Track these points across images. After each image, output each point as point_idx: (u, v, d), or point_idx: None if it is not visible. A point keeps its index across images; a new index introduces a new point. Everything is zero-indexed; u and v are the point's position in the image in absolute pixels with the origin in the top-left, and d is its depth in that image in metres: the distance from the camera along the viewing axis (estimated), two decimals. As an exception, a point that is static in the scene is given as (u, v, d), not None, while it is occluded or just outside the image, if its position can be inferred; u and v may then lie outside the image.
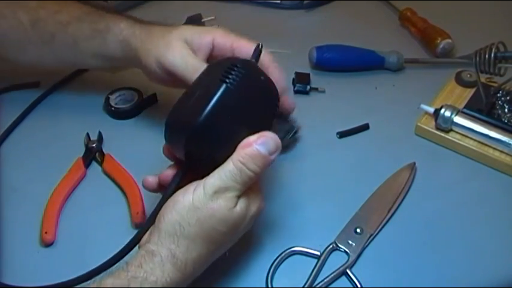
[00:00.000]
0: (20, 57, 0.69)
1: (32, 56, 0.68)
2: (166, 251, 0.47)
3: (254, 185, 0.51)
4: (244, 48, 0.60)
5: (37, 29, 0.65)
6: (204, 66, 0.56)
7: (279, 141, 0.50)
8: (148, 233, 0.49)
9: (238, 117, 0.49)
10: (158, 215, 0.49)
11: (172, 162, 0.55)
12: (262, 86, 0.52)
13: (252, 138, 0.49)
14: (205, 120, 0.48)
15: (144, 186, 0.55)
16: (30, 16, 0.65)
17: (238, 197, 0.49)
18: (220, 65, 0.51)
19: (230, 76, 0.49)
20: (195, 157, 0.50)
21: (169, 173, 0.53)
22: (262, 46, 0.56)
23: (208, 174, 0.49)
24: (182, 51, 0.60)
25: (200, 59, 0.60)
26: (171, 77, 0.61)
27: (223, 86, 0.48)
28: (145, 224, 0.50)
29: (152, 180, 0.54)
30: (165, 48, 0.60)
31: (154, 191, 0.55)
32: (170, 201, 0.49)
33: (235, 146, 0.49)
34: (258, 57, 0.55)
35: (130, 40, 0.63)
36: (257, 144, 0.49)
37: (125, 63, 0.67)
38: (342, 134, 0.70)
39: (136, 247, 0.50)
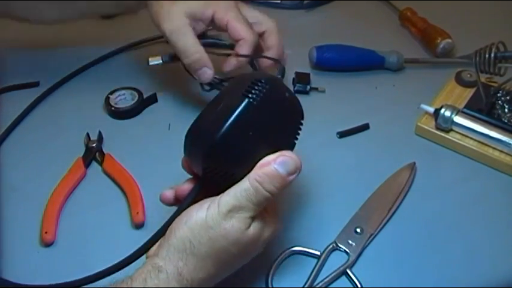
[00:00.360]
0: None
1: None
2: (173, 268, 0.45)
3: (270, 207, 0.50)
4: (237, 32, 0.63)
5: None
6: (193, 46, 0.62)
7: (299, 161, 0.48)
8: (157, 244, 0.49)
9: (259, 133, 0.48)
10: (169, 228, 0.48)
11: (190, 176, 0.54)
12: (286, 103, 0.50)
13: (271, 157, 0.47)
14: (225, 136, 0.46)
15: (161, 200, 0.54)
16: None
17: (253, 218, 0.47)
18: (244, 80, 0.49)
19: (253, 91, 0.47)
20: (212, 172, 0.49)
21: (186, 187, 0.52)
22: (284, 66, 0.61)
23: (225, 190, 0.47)
24: (179, 27, 0.63)
25: (198, 30, 0.64)
26: None
27: (246, 100, 0.47)
28: (155, 234, 0.49)
29: (169, 194, 0.53)
30: (165, 18, 0.63)
31: (171, 204, 0.54)
32: (183, 216, 0.48)
33: (254, 163, 0.47)
34: (283, 74, 0.55)
35: None
36: (276, 164, 0.47)
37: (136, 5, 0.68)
38: (342, 134, 0.70)
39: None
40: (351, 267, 0.56)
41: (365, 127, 0.71)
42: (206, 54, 0.63)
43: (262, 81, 0.48)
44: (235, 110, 0.47)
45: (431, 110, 0.69)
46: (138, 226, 0.60)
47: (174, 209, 0.50)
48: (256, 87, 0.48)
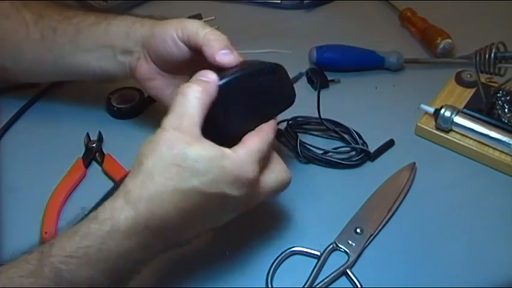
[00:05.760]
0: (16, 57, 0.67)
1: (28, 56, 0.66)
2: (122, 187, 0.44)
3: (275, 158, 0.51)
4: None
5: (39, 25, 0.65)
6: None
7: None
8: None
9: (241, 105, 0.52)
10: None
11: None
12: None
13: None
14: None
15: None
16: (34, 15, 0.65)
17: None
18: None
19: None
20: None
21: None
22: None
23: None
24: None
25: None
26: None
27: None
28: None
29: None
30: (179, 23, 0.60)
31: None
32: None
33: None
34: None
35: (136, 25, 0.62)
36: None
37: (126, 51, 0.62)
38: (373, 157, 0.67)
39: None
40: (351, 267, 0.56)
41: (391, 143, 0.69)
42: None
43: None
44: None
45: (431, 110, 0.69)
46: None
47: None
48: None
